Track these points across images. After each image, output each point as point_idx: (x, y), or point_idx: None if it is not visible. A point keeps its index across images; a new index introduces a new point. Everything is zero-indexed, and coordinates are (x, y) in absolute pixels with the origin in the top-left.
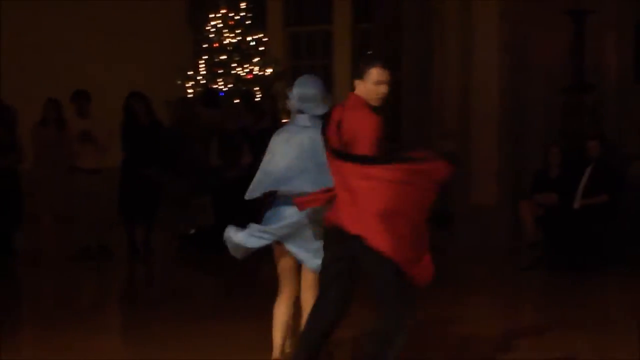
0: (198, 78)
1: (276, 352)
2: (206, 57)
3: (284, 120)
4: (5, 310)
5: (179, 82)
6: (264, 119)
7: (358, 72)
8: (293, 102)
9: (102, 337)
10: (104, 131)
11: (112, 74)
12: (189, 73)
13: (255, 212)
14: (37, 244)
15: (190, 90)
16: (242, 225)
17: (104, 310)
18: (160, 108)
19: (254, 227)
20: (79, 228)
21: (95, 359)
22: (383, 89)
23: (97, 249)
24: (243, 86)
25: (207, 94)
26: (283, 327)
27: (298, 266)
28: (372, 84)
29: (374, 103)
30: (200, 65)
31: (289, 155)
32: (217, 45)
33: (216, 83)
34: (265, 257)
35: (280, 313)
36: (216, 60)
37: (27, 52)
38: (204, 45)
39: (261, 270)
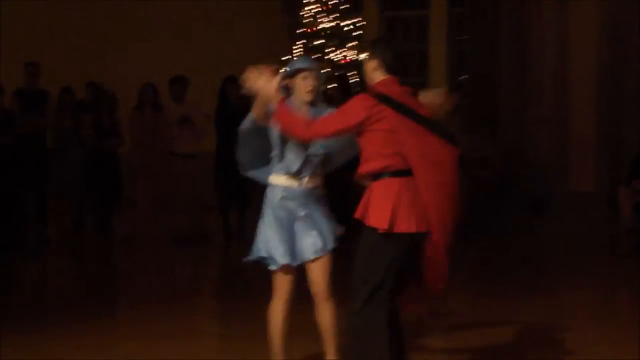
0: None
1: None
2: (301, 42)
3: None
4: (104, 292)
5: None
6: None
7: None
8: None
9: (197, 320)
10: (200, 116)
11: (207, 58)
12: (283, 58)
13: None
14: (134, 228)
15: None
16: None
17: (199, 294)
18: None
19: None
20: (175, 212)
21: (190, 341)
22: None
23: (194, 233)
24: (338, 71)
25: None
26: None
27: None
28: None
29: None
30: (296, 50)
31: None
32: (312, 30)
33: None
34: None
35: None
36: (311, 45)
37: (125, 37)
38: (299, 30)
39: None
